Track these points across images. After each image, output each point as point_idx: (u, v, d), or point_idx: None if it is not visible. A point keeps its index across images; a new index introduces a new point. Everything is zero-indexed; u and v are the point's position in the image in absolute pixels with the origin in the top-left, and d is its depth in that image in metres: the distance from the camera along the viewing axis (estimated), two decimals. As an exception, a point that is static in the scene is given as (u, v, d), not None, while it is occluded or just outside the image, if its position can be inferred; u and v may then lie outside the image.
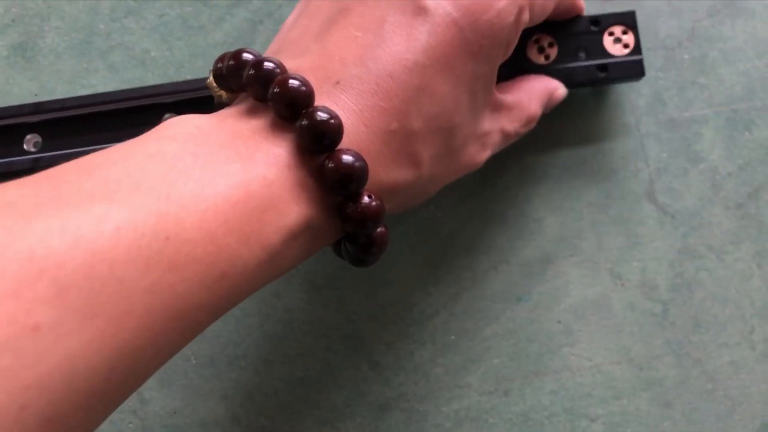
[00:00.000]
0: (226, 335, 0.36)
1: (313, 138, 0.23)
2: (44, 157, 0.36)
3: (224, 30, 0.38)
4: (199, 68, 0.37)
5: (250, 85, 0.24)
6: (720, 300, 0.34)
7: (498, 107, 0.29)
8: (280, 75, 0.24)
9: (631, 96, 0.36)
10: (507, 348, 0.35)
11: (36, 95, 0.38)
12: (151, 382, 0.35)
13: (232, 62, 0.25)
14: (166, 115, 0.36)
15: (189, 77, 0.37)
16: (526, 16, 0.28)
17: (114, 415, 0.35)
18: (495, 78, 0.28)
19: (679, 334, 0.34)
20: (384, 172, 0.25)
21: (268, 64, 0.24)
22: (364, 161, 0.24)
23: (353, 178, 0.23)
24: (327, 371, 0.35)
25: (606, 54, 0.34)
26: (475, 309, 0.35)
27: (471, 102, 0.27)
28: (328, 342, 0.35)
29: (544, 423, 0.34)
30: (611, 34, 0.34)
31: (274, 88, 0.23)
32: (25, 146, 0.36)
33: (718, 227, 0.35)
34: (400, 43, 0.25)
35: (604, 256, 0.35)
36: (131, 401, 0.35)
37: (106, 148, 0.36)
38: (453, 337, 0.35)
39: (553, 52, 0.34)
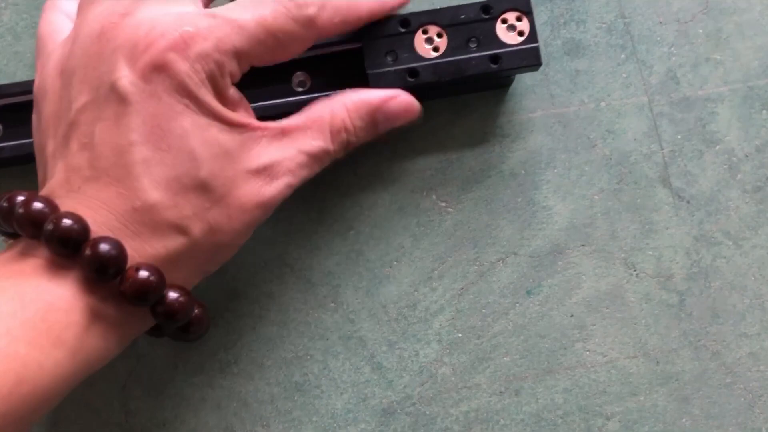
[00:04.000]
0: (216, 339, 0.33)
1: (59, 242, 0.25)
2: (7, 146, 0.33)
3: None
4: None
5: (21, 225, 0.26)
6: (738, 289, 0.33)
7: (281, 135, 0.29)
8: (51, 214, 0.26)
9: (643, 73, 0.34)
10: (517, 345, 0.33)
11: (-6, 80, 0.35)
12: (137, 392, 0.33)
13: (5, 204, 0.27)
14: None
15: (165, 58, 0.34)
16: (231, 67, 0.28)
17: (96, 429, 0.32)
18: (225, 115, 0.28)
19: (697, 325, 0.33)
20: (151, 247, 0.27)
21: (36, 204, 0.26)
22: (116, 244, 0.26)
23: (110, 262, 0.25)
24: (326, 375, 0.33)
25: (499, 43, 0.31)
26: (483, 304, 0.33)
27: (212, 151, 0.27)
28: (327, 344, 0.33)
29: (557, 423, 0.32)
30: (504, 21, 0.31)
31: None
32: None
33: (735, 212, 0.33)
34: (114, 132, 0.27)
35: (618, 245, 0.33)
36: (115, 413, 0.32)
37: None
38: (460, 335, 0.33)
39: (443, 44, 0.31)
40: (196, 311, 0.28)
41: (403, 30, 0.31)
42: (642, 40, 0.34)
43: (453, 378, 0.33)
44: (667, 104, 0.34)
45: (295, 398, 0.33)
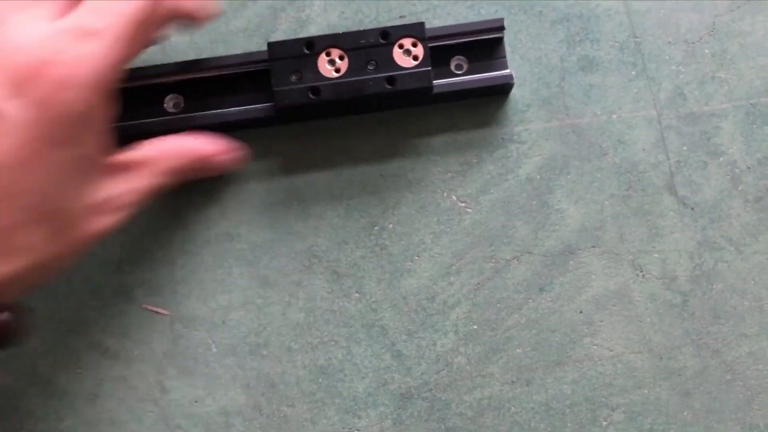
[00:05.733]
0: (248, 324, 0.35)
1: None
2: (185, 117, 0.35)
3: (245, 17, 0.37)
4: (220, 55, 0.37)
5: None
6: (739, 291, 0.35)
7: (119, 170, 0.30)
8: None
9: (653, 89, 0.36)
10: (529, 338, 0.35)
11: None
12: (172, 371, 0.35)
13: None
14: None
15: (209, 64, 0.37)
16: (108, 78, 0.28)
17: (133, 404, 0.35)
18: (97, 151, 0.29)
19: (699, 324, 0.35)
20: None
21: None
22: None
23: None
24: (349, 360, 0.35)
25: (395, 66, 0.34)
26: (498, 299, 0.35)
27: (73, 182, 0.28)
28: (350, 331, 0.35)
29: (565, 412, 0.34)
30: (401, 46, 0.34)
31: None
32: (165, 106, 0.36)
33: (737, 220, 0.35)
34: None
35: (626, 248, 0.35)
36: (151, 390, 0.35)
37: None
38: (475, 327, 0.35)
39: (344, 66, 0.34)
40: (1, 317, 0.28)
41: (308, 52, 0.34)
42: (652, 59, 0.37)
43: (468, 367, 0.35)
44: (675, 118, 0.36)
45: (320, 381, 0.35)
